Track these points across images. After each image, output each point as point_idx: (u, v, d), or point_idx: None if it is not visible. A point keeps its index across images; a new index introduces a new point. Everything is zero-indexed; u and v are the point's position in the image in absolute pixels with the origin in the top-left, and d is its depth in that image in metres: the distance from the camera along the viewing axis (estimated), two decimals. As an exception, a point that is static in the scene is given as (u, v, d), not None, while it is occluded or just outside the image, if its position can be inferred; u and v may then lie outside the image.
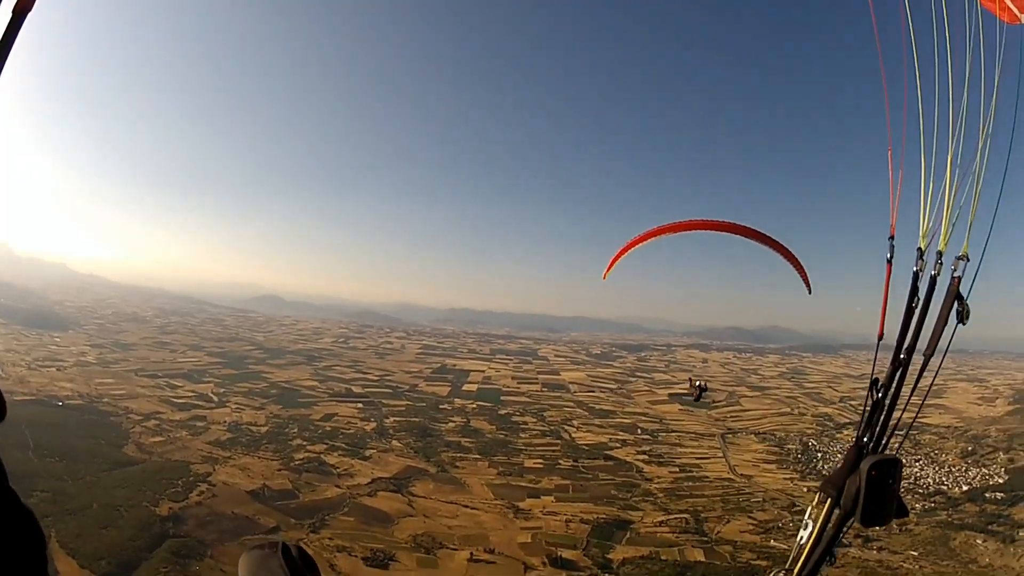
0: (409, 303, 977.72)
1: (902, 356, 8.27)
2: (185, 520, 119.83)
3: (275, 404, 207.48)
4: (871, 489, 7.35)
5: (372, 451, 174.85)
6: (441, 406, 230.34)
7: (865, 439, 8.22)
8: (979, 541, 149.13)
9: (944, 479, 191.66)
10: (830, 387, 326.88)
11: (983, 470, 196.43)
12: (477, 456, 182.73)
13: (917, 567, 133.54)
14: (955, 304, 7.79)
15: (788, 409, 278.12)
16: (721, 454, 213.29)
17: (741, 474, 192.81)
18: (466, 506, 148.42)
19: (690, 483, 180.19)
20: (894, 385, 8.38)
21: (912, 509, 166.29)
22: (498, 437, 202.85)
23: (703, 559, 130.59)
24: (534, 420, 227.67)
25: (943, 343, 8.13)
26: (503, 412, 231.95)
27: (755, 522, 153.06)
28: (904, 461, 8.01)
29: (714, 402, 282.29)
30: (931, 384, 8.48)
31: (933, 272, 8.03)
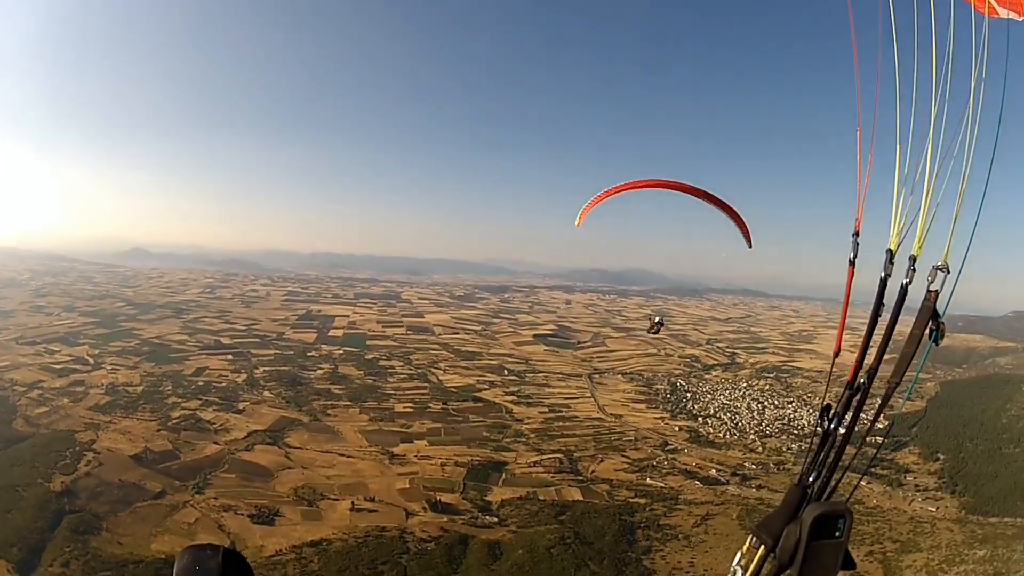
0: (272, 249, 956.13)
1: (861, 381, 7.16)
2: (78, 494, 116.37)
3: (148, 362, 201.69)
4: (813, 544, 6.27)
5: (245, 404, 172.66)
6: (309, 353, 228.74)
7: (811, 478, 6.97)
8: (863, 483, 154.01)
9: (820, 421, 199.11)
10: (696, 329, 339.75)
11: (861, 414, 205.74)
12: (348, 403, 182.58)
13: None
14: (929, 324, 6.87)
15: (654, 350, 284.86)
16: (589, 394, 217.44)
17: (611, 414, 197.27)
18: (342, 455, 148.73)
19: (561, 423, 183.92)
20: (849, 415, 7.14)
21: (788, 449, 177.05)
22: (367, 383, 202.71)
23: (581, 498, 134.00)
24: (401, 364, 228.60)
25: (912, 369, 7.26)
26: (370, 357, 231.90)
27: (629, 460, 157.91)
28: (853, 513, 6.64)
29: (579, 343, 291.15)
30: (889, 426, 8.06)
31: (905, 280, 7.07)
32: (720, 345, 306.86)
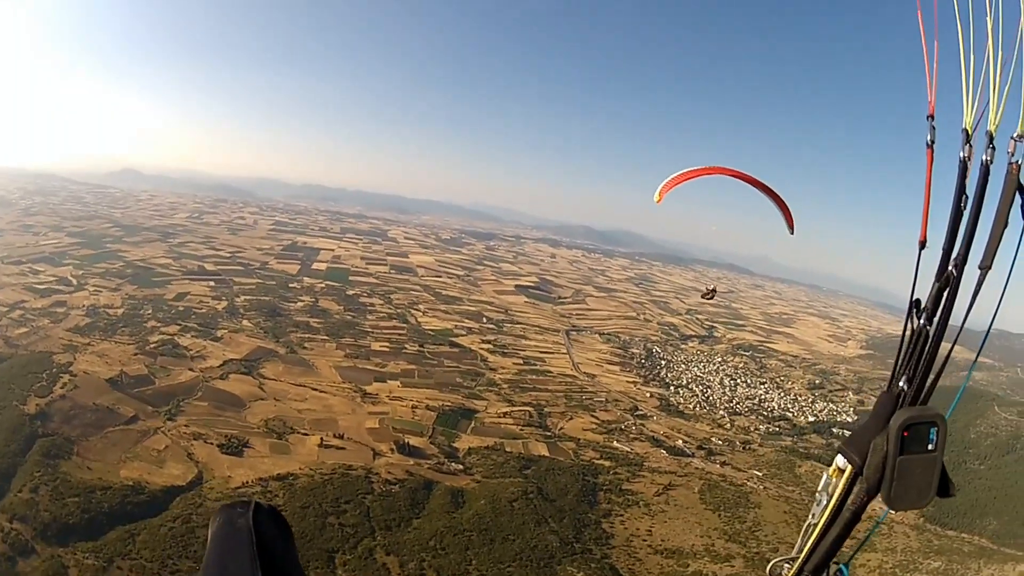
0: (264, 177, 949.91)
1: (951, 269, 6.03)
2: (51, 416, 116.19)
3: (131, 284, 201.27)
4: (902, 458, 5.38)
5: (223, 332, 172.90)
6: (291, 285, 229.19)
7: (902, 383, 5.94)
8: (821, 473, 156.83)
9: (790, 406, 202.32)
10: (678, 298, 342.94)
11: (831, 405, 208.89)
12: (325, 337, 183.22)
13: (762, 487, 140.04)
14: (1017, 198, 5.90)
15: (634, 314, 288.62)
16: (565, 350, 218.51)
17: (585, 372, 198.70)
18: (315, 389, 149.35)
19: (534, 376, 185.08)
20: (941, 309, 6.09)
21: (755, 429, 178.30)
22: (346, 318, 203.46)
23: (547, 454, 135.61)
24: (381, 302, 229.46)
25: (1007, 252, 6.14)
26: (351, 293, 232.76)
27: (597, 421, 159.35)
28: (946, 419, 5.54)
29: (560, 298, 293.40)
30: (995, 313, 6.78)
31: (985, 158, 6.09)
32: (700, 317, 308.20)
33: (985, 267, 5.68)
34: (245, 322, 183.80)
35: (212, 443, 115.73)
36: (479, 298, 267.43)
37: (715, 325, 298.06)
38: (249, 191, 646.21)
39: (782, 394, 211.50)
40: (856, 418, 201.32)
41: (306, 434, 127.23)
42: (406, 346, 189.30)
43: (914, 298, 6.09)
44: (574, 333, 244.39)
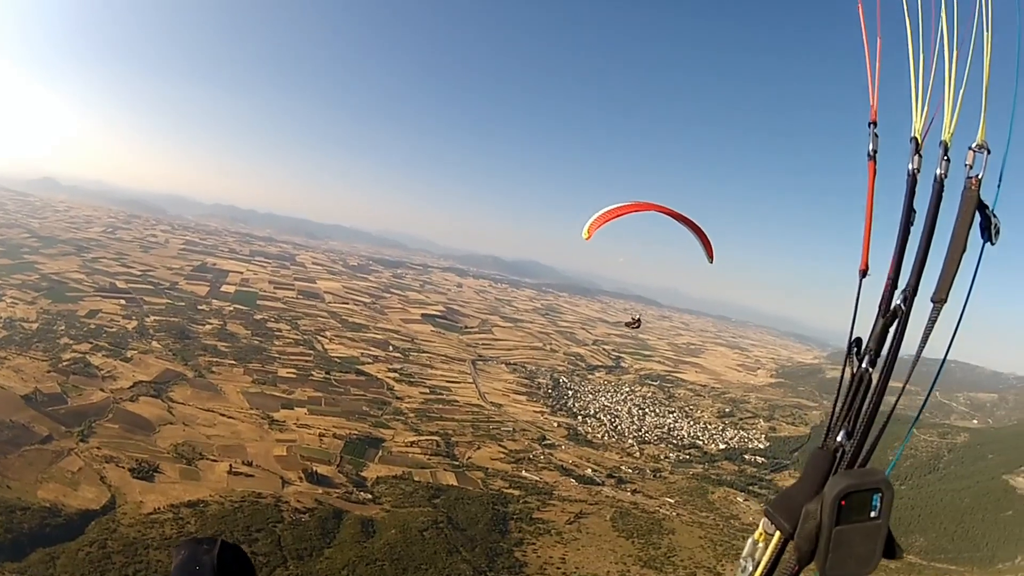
0: (176, 194, 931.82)
1: (898, 303, 4.90)
2: None
3: (46, 298, 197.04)
4: (840, 528, 4.38)
5: (133, 352, 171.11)
6: (200, 307, 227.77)
7: (840, 438, 4.87)
8: (740, 499, 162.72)
9: (700, 434, 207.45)
10: (584, 329, 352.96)
11: (742, 432, 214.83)
12: (233, 362, 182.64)
13: (675, 514, 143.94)
14: (977, 217, 4.94)
15: (540, 344, 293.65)
16: (471, 380, 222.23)
17: (491, 402, 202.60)
18: (223, 414, 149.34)
19: (440, 406, 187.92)
20: (887, 350, 4.97)
21: (665, 457, 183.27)
22: (253, 343, 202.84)
23: (456, 483, 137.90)
24: (288, 328, 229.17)
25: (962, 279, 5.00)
26: (259, 317, 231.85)
27: (505, 451, 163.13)
28: (894, 487, 4.55)
29: (467, 328, 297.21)
30: (946, 353, 5.42)
31: (939, 171, 5.12)
32: (606, 347, 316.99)
33: (940, 300, 4.79)
34: (155, 343, 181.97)
35: (124, 467, 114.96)
36: (386, 326, 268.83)
37: (622, 355, 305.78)
38: (161, 207, 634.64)
39: (692, 423, 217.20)
40: (768, 445, 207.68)
41: (215, 460, 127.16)
42: (313, 373, 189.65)
43: (854, 337, 5.05)
44: (480, 363, 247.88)
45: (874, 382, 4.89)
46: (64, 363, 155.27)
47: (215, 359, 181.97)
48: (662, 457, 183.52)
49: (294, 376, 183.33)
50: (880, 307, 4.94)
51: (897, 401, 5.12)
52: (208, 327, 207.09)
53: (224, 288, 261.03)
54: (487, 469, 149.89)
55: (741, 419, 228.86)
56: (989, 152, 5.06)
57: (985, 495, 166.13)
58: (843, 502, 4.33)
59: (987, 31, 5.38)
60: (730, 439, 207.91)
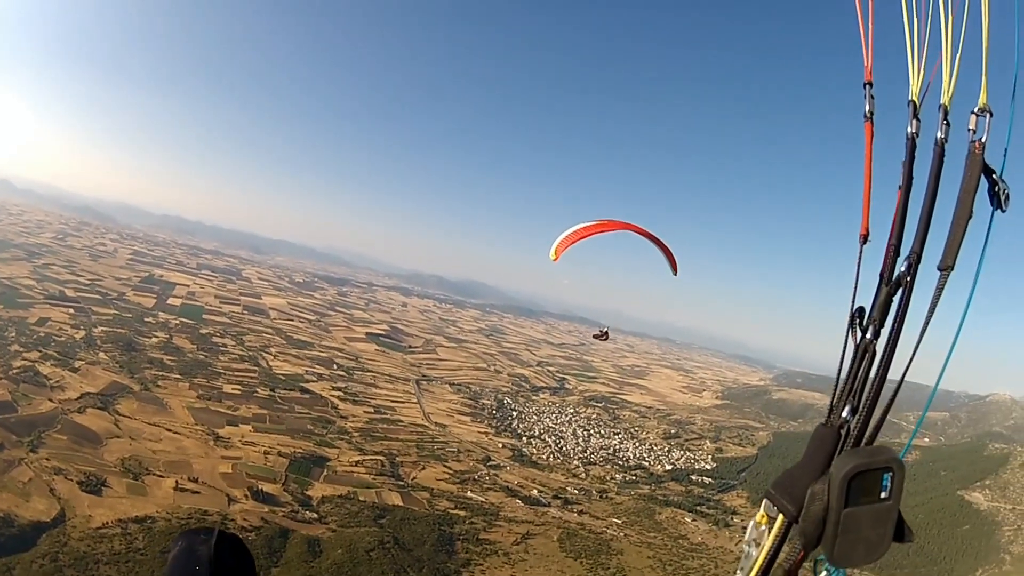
0: (125, 203, 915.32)
1: (902, 269, 4.50)
2: None
3: None
4: (848, 510, 4.01)
5: (81, 363, 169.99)
6: (146, 319, 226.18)
7: (845, 414, 4.41)
8: (688, 519, 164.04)
9: (645, 455, 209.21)
10: (528, 350, 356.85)
11: (688, 453, 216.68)
12: (178, 376, 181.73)
13: (622, 534, 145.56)
14: (981, 181, 4.65)
15: (485, 365, 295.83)
16: (415, 400, 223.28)
17: (436, 422, 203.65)
18: (169, 429, 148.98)
19: (385, 425, 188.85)
20: (893, 318, 4.50)
21: (612, 478, 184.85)
22: (199, 358, 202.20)
23: (401, 503, 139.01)
24: (234, 343, 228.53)
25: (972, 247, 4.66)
26: (204, 331, 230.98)
27: (450, 471, 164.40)
28: (903, 463, 4.14)
29: (411, 347, 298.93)
30: (958, 331, 4.99)
31: (939, 135, 4.78)
32: (551, 368, 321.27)
33: (947, 268, 4.47)
34: (102, 354, 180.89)
35: (72, 479, 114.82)
36: (330, 344, 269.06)
37: (566, 377, 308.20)
38: (110, 215, 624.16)
39: (637, 444, 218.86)
40: (715, 466, 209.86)
41: (161, 476, 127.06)
42: (257, 390, 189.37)
43: (856, 306, 4.63)
44: (424, 383, 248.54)
45: (879, 354, 4.53)
46: (15, 371, 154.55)
47: (161, 373, 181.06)
48: (608, 478, 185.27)
49: (239, 392, 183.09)
50: (882, 275, 4.66)
51: (905, 374, 4.69)
52: (154, 340, 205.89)
53: (171, 301, 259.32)
54: (432, 489, 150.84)
55: (687, 440, 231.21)
56: (992, 115, 4.92)
57: (940, 511, 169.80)
58: (852, 482, 4.09)
59: None
60: (676, 460, 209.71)
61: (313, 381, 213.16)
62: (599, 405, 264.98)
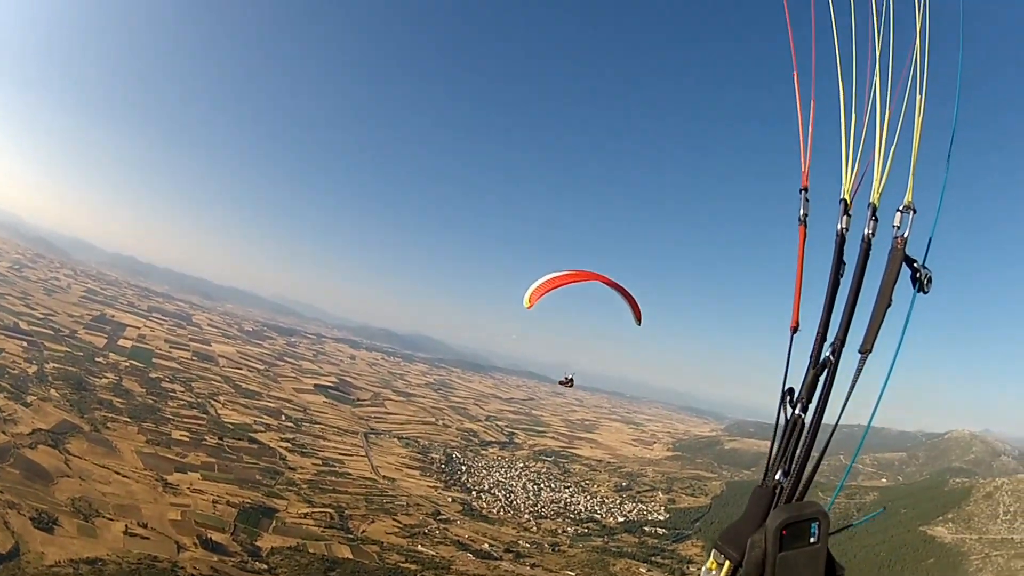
0: (80, 238, 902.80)
1: (828, 354, 5.63)
2: None
3: None
4: (784, 554, 5.17)
5: (33, 398, 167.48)
6: (97, 358, 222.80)
7: (778, 476, 5.66)
8: (643, 570, 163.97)
9: (597, 508, 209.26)
10: (477, 404, 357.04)
11: (640, 505, 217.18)
12: (127, 419, 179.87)
13: None
14: (902, 270, 5.68)
15: (433, 419, 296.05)
16: (364, 453, 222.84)
17: (384, 476, 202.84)
18: (118, 472, 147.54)
19: (333, 477, 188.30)
20: (818, 397, 5.67)
21: (564, 531, 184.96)
22: (148, 402, 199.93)
23: (351, 556, 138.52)
24: (183, 389, 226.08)
25: (892, 332, 5.77)
26: (154, 376, 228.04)
27: (400, 525, 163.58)
28: (829, 514, 5.44)
29: (359, 400, 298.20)
30: (878, 402, 6.18)
31: (867, 231, 5.78)
32: (500, 423, 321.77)
33: (865, 351, 5.50)
34: (53, 391, 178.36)
35: (25, 515, 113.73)
36: (278, 394, 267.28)
37: (515, 432, 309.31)
38: (65, 250, 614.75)
39: (588, 497, 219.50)
40: (668, 516, 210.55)
41: (111, 519, 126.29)
42: (206, 438, 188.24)
43: (787, 387, 5.79)
44: (373, 436, 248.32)
45: (807, 426, 5.65)
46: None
47: (110, 414, 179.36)
48: (560, 531, 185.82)
49: (187, 440, 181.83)
50: (811, 358, 5.72)
51: (829, 440, 5.74)
52: (104, 381, 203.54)
53: (121, 342, 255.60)
54: (382, 543, 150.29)
55: (639, 492, 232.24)
56: (915, 212, 5.81)
57: (903, 547, 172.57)
58: (784, 531, 5.18)
59: (920, 98, 6.12)
60: (629, 512, 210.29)
61: (261, 431, 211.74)
62: (549, 459, 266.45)
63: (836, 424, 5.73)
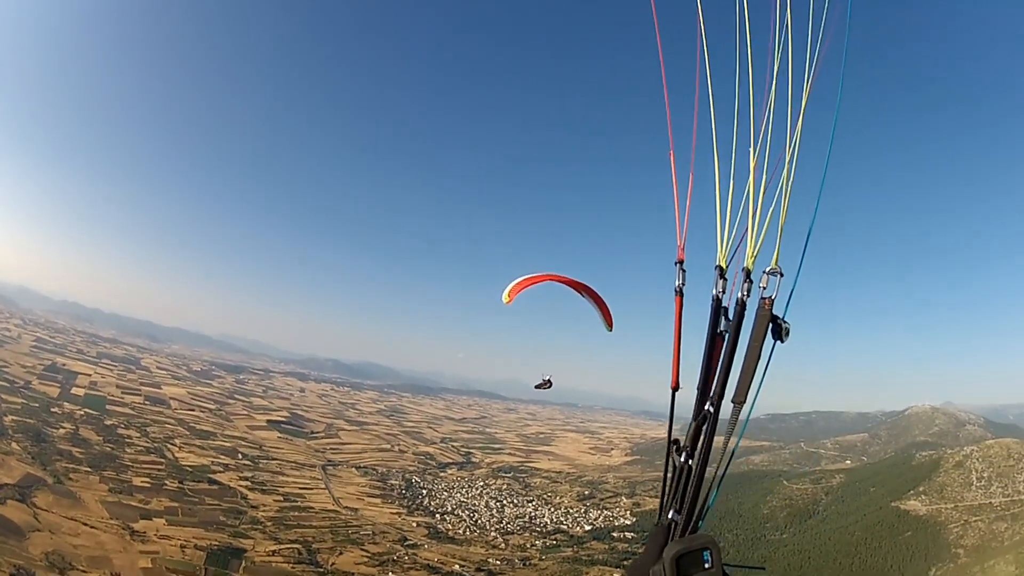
0: (27, 286, 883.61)
1: (708, 408, 6.51)
2: None
3: None
4: None
5: None
6: (52, 408, 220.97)
7: (671, 515, 6.52)
8: (616, 575, 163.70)
9: (563, 519, 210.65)
10: (430, 427, 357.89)
11: (606, 512, 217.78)
12: (88, 469, 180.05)
13: None
14: (769, 328, 6.35)
15: (388, 446, 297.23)
16: (324, 485, 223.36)
17: (346, 506, 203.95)
18: (86, 524, 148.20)
19: (297, 513, 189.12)
20: (701, 446, 6.58)
21: (532, 545, 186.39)
22: (106, 450, 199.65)
23: None
24: (138, 435, 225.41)
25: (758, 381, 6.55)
26: (109, 423, 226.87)
27: (368, 554, 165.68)
28: (720, 542, 6.10)
29: (313, 433, 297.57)
30: (737, 443, 6.67)
31: (740, 295, 6.49)
32: (455, 444, 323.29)
33: (739, 402, 6.45)
34: (14, 444, 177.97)
35: (4, 571, 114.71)
36: (232, 433, 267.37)
37: (472, 451, 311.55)
38: (13, 299, 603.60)
39: (552, 509, 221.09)
40: (635, 520, 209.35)
41: (85, 571, 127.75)
42: (166, 482, 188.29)
43: (673, 438, 6.76)
44: (331, 468, 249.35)
45: (692, 472, 6.59)
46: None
47: (71, 465, 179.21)
48: (528, 545, 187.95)
49: (149, 485, 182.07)
50: (694, 413, 6.61)
51: (724, 473, 6.81)
52: (62, 431, 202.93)
53: (74, 390, 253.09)
54: (353, 574, 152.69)
55: (603, 499, 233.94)
56: (782, 275, 6.46)
57: (877, 524, 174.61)
58: (679, 561, 6.04)
59: (787, 179, 6.67)
60: (595, 519, 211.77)
61: (220, 471, 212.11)
62: (508, 475, 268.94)
63: (720, 465, 6.85)
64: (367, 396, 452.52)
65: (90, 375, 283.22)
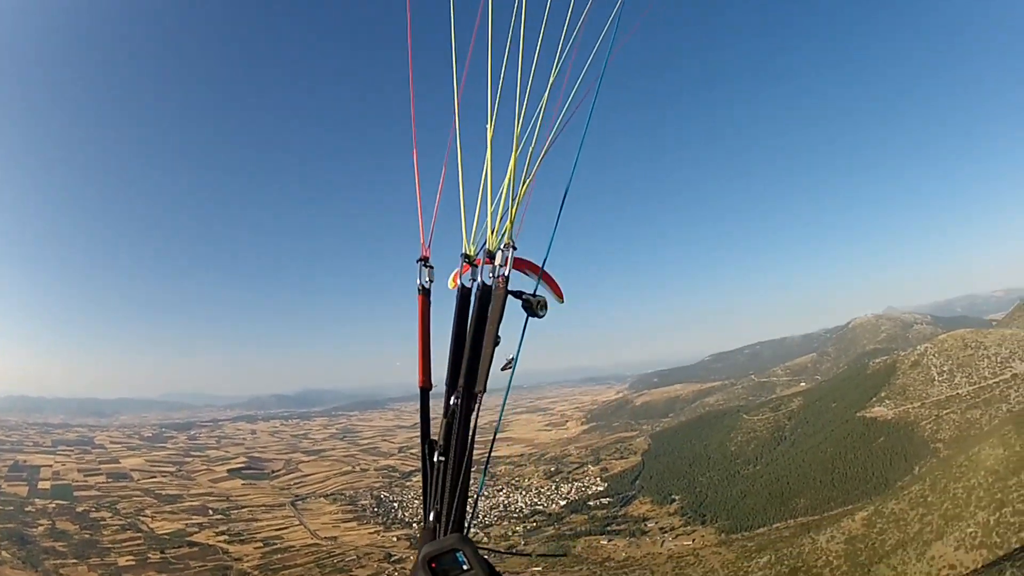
0: None
1: (453, 401, 6.42)
2: None
3: None
4: None
5: None
6: (26, 508, 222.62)
7: (431, 518, 6.49)
8: (604, 542, 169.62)
9: (536, 500, 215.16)
10: (385, 440, 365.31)
11: (576, 483, 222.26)
12: (75, 560, 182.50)
13: None
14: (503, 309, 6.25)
15: (349, 468, 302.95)
16: (298, 521, 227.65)
17: (325, 537, 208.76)
18: None
19: (280, 555, 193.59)
20: (454, 440, 6.45)
21: (514, 532, 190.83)
22: (84, 537, 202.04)
23: None
24: (110, 514, 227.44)
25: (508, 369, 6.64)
26: (80, 509, 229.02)
27: None
28: (471, 539, 6.18)
29: (274, 472, 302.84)
30: (496, 431, 7.36)
31: (486, 280, 6.41)
32: (413, 451, 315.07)
33: (479, 392, 6.32)
34: (3, 552, 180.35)
35: None
36: (198, 490, 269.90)
37: None
38: None
39: (523, 492, 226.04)
40: (607, 485, 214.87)
41: None
42: (149, 555, 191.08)
43: (428, 439, 6.74)
44: (300, 502, 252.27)
45: (449, 469, 6.50)
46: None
47: (59, 560, 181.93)
48: (510, 533, 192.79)
49: (134, 563, 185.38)
50: (444, 409, 6.50)
51: (485, 471, 6.88)
52: (41, 528, 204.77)
53: (40, 485, 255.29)
54: None
55: (570, 472, 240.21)
56: (515, 248, 6.33)
57: (847, 437, 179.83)
58: (433, 564, 5.97)
59: (516, 149, 6.53)
60: (567, 493, 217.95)
61: (196, 532, 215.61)
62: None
63: (489, 459, 7.20)
64: (317, 424, 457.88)
65: (51, 465, 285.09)
